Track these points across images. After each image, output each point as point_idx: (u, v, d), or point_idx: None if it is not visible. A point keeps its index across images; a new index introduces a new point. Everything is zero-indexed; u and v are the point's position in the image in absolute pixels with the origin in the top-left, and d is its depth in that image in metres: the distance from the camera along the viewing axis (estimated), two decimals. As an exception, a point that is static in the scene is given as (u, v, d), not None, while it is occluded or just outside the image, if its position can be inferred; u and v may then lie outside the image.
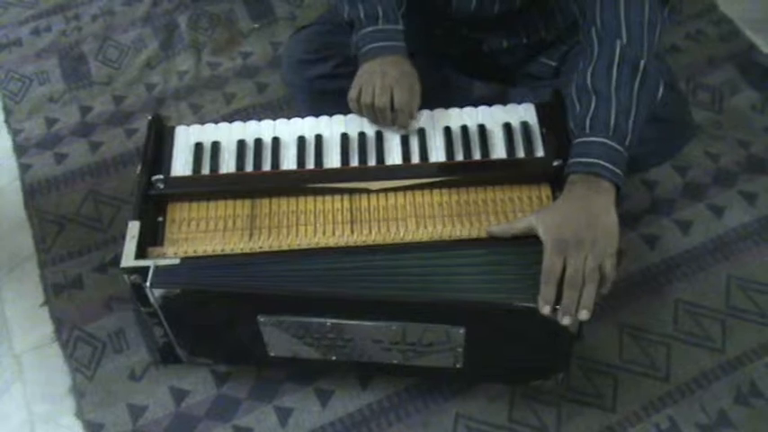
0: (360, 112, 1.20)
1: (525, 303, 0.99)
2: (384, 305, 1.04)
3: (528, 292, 0.99)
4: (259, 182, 1.15)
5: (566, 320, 0.97)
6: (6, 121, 1.71)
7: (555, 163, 1.12)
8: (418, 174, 1.14)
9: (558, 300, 0.97)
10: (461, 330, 1.06)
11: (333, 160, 1.17)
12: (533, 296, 0.98)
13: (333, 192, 1.13)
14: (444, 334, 1.07)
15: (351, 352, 1.13)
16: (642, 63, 1.04)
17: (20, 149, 1.65)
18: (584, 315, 0.97)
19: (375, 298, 1.03)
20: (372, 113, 1.18)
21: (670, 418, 1.21)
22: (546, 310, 0.97)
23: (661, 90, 1.08)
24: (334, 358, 1.16)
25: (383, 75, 1.16)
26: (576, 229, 0.97)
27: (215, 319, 1.14)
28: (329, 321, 1.08)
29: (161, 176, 1.15)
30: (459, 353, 1.11)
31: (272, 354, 1.16)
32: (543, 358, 1.17)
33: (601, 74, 1.04)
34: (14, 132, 1.68)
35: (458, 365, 1.14)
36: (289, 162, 1.17)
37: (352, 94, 1.18)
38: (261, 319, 1.09)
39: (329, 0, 1.88)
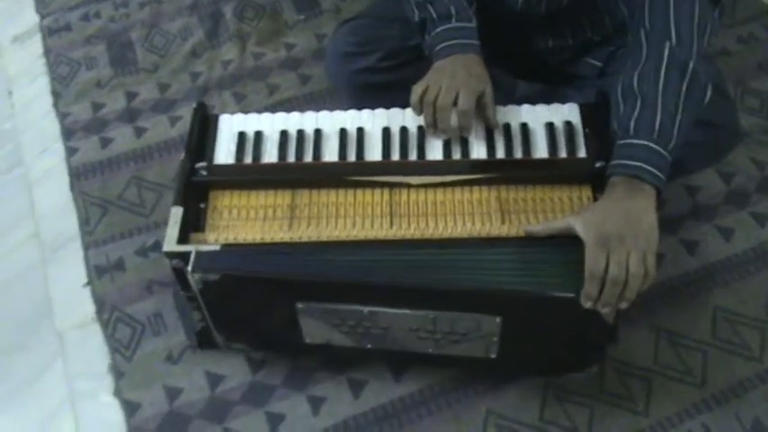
0: (418, 109, 1.17)
1: (563, 293, 1.00)
2: (422, 293, 1.05)
3: (566, 283, 1.00)
4: (300, 172, 1.17)
5: (605, 310, 1.00)
6: (55, 104, 1.75)
7: (597, 164, 1.11)
8: (459, 170, 1.14)
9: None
10: (498, 319, 1.07)
11: (374, 154, 1.17)
12: (571, 286, 0.99)
13: (373, 185, 1.14)
14: (481, 323, 1.08)
15: (386, 341, 1.14)
16: (691, 65, 1.03)
17: (67, 133, 1.68)
18: (623, 305, 1.00)
19: (414, 286, 1.04)
20: (432, 112, 1.15)
21: (704, 425, 1.20)
22: (588, 305, 0.99)
23: (708, 93, 1.07)
24: (369, 346, 1.17)
25: (452, 76, 1.14)
26: (617, 224, 0.97)
27: (253, 306, 1.15)
28: (366, 309, 1.09)
29: (204, 164, 1.17)
30: (495, 342, 1.11)
31: (308, 340, 1.18)
32: (578, 349, 1.17)
33: (648, 76, 1.04)
34: (62, 116, 1.72)
35: (492, 356, 1.14)
36: (330, 154, 1.18)
37: (418, 88, 1.16)
38: (299, 306, 1.10)
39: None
